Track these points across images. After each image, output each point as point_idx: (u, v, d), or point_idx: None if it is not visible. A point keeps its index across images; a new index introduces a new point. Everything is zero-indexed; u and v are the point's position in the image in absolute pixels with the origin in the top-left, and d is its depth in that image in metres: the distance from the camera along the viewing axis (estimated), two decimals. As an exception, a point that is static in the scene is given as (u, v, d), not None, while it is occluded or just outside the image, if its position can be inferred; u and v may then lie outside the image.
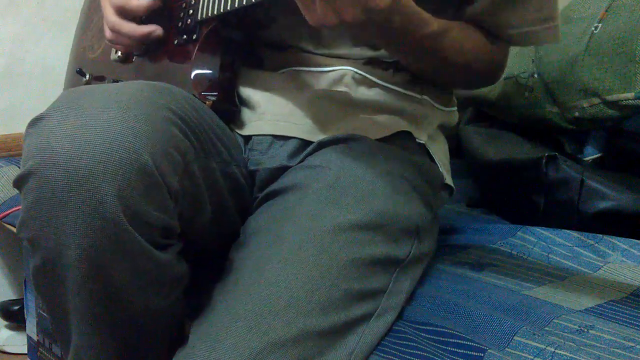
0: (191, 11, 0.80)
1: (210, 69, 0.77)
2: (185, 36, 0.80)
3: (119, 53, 0.89)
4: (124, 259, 0.56)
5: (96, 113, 0.55)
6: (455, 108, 0.89)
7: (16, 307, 1.45)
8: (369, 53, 0.78)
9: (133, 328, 0.62)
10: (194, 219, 0.66)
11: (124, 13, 0.81)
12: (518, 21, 0.74)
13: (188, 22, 0.80)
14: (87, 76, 0.96)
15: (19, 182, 0.55)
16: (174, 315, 0.66)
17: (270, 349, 0.56)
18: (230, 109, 0.79)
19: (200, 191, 0.65)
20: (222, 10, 0.74)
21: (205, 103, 0.74)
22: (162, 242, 0.59)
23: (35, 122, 0.56)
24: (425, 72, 0.79)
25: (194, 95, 0.72)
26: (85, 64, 0.99)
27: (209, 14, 0.76)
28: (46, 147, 0.53)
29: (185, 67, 0.78)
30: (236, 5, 0.71)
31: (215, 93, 0.76)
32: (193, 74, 0.76)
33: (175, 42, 0.81)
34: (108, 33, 0.83)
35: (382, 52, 0.78)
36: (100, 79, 0.94)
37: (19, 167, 0.68)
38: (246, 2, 0.69)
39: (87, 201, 0.53)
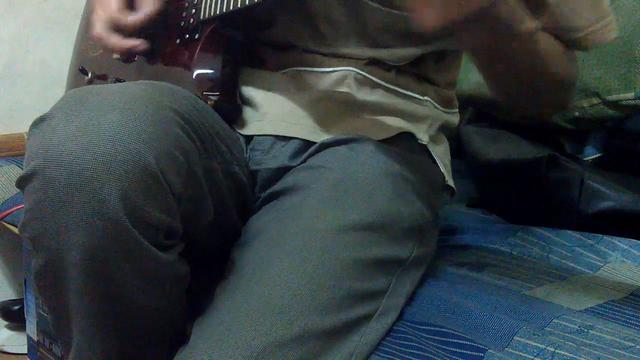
0: (194, 11, 0.80)
1: (212, 69, 0.77)
2: (187, 35, 0.80)
3: (121, 52, 0.89)
4: (126, 260, 0.56)
5: (100, 114, 0.55)
6: (457, 110, 0.89)
7: (16, 307, 1.45)
8: (370, 53, 0.77)
9: (135, 328, 0.62)
10: (196, 219, 0.66)
11: (118, 28, 0.80)
12: (580, 23, 0.70)
13: (190, 22, 0.80)
14: (89, 75, 0.96)
15: (21, 182, 0.56)
16: (175, 315, 0.66)
17: (272, 349, 0.56)
18: (231, 108, 0.79)
19: (202, 192, 0.65)
20: (224, 10, 0.74)
21: (207, 103, 0.74)
22: (164, 243, 0.59)
23: (38, 122, 0.56)
24: (510, 88, 0.72)
25: (196, 95, 0.72)
26: (87, 62, 0.99)
27: (212, 14, 0.76)
28: (50, 147, 0.53)
29: (187, 67, 0.78)
30: (239, 5, 0.71)
31: (216, 93, 0.76)
32: (195, 73, 0.76)
33: (178, 41, 0.81)
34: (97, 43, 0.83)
35: (383, 53, 0.78)
36: (102, 77, 0.94)
37: (20, 167, 0.68)
38: (249, 2, 0.69)
39: (90, 202, 0.53)
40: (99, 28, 0.80)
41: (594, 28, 0.70)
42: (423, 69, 0.81)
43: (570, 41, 0.71)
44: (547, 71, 0.69)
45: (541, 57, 0.67)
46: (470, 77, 1.21)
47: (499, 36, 0.60)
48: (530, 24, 0.61)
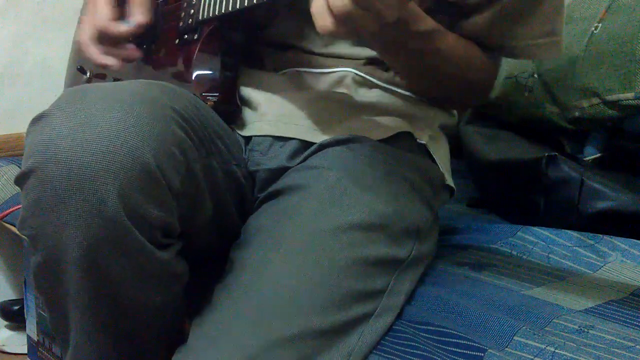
0: (192, 11, 0.80)
1: (211, 70, 0.77)
2: (186, 36, 0.80)
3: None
4: (124, 258, 0.56)
5: (99, 111, 0.55)
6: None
7: (16, 307, 1.45)
8: (369, 52, 0.78)
9: (132, 326, 0.62)
10: (195, 218, 0.66)
11: (103, 37, 0.79)
12: (523, 34, 0.73)
13: (189, 22, 0.80)
14: (88, 74, 0.96)
15: (20, 180, 0.56)
16: (173, 314, 0.66)
17: (270, 348, 0.56)
18: (231, 109, 0.79)
19: (201, 190, 0.66)
20: (223, 11, 0.73)
21: (206, 103, 0.74)
22: (162, 241, 0.59)
23: (37, 119, 0.56)
24: (420, 84, 0.77)
25: (195, 95, 0.72)
26: (85, 61, 0.99)
27: (210, 14, 0.76)
28: (48, 144, 0.53)
29: (186, 68, 0.78)
30: (237, 7, 0.71)
31: (216, 94, 0.76)
32: (194, 74, 0.76)
33: (177, 41, 0.81)
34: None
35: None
36: (101, 76, 0.94)
37: (19, 167, 0.68)
38: (247, 3, 0.69)
39: (88, 199, 0.53)
40: (84, 35, 0.80)
41: (538, 42, 0.72)
42: None
43: (509, 48, 0.74)
44: (451, 72, 0.72)
45: (444, 57, 0.70)
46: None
47: (398, 34, 0.64)
48: (428, 23, 0.66)
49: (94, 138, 0.53)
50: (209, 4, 0.76)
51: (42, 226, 0.55)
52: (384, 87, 0.79)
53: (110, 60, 0.79)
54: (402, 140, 0.78)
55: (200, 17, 0.78)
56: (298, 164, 0.75)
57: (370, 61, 0.78)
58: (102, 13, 0.78)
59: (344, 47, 0.78)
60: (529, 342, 0.61)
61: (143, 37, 0.82)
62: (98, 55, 0.79)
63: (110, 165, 0.53)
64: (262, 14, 0.80)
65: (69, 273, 0.56)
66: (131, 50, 0.80)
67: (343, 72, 0.77)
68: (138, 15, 0.78)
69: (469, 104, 0.84)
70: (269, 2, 0.67)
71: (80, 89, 0.59)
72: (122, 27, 0.78)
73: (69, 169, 0.52)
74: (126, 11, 0.80)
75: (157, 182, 0.56)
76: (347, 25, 0.56)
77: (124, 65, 0.80)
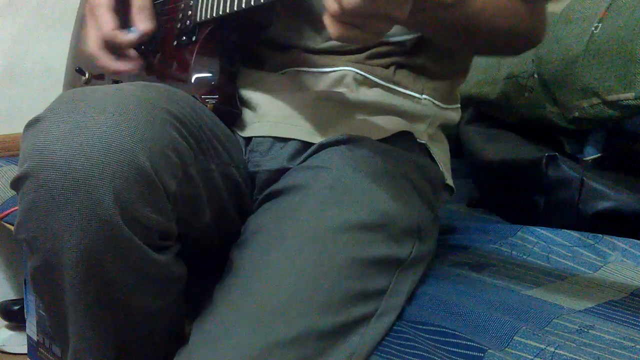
0: (190, 12, 0.80)
1: (210, 72, 0.77)
2: (184, 37, 0.79)
3: (119, 52, 0.89)
4: (121, 261, 0.56)
5: (94, 115, 0.54)
6: (459, 105, 0.88)
7: (16, 307, 1.45)
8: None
9: (131, 329, 0.62)
10: (193, 221, 0.66)
11: (112, 47, 0.78)
12: None
13: (187, 24, 0.80)
14: (87, 75, 0.96)
15: (16, 184, 0.56)
16: (172, 316, 0.66)
17: (271, 350, 0.56)
18: (231, 111, 0.78)
19: (198, 193, 0.65)
20: (220, 13, 0.73)
21: (206, 106, 0.74)
22: (159, 244, 0.59)
23: (32, 123, 0.56)
24: (466, 48, 0.75)
25: (194, 98, 0.72)
26: (84, 62, 0.99)
27: (208, 16, 0.76)
28: (43, 149, 0.53)
29: (185, 70, 0.77)
30: (235, 8, 0.70)
31: (215, 96, 0.76)
32: (193, 77, 0.76)
33: (175, 43, 0.81)
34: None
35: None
36: (99, 77, 0.94)
37: (20, 168, 0.68)
38: (245, 5, 0.69)
39: (84, 203, 0.53)
40: (93, 46, 0.79)
41: None
42: (422, 59, 0.80)
43: None
44: (504, 28, 0.69)
45: (483, 17, 0.66)
46: (470, 76, 1.21)
47: (430, 11, 0.59)
48: None
49: (88, 141, 0.53)
50: (206, 6, 0.76)
51: (38, 230, 0.55)
52: (385, 86, 0.79)
53: (125, 66, 0.79)
54: (402, 140, 0.78)
55: (198, 19, 0.78)
56: (298, 164, 0.75)
57: (371, 55, 0.78)
58: (106, 22, 0.77)
59: None
60: (529, 342, 0.61)
61: (146, 44, 0.82)
62: (113, 63, 0.79)
63: (106, 169, 0.53)
64: (261, 14, 0.80)
65: (67, 276, 0.56)
66: (136, 56, 0.80)
67: (343, 71, 0.77)
68: (144, 23, 0.78)
69: (522, 52, 0.80)
70: (266, 3, 0.67)
71: (75, 92, 0.59)
72: (129, 36, 0.77)
73: (64, 173, 0.52)
74: (127, 17, 0.79)
75: (153, 185, 0.56)
76: (356, 28, 0.54)
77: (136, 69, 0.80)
